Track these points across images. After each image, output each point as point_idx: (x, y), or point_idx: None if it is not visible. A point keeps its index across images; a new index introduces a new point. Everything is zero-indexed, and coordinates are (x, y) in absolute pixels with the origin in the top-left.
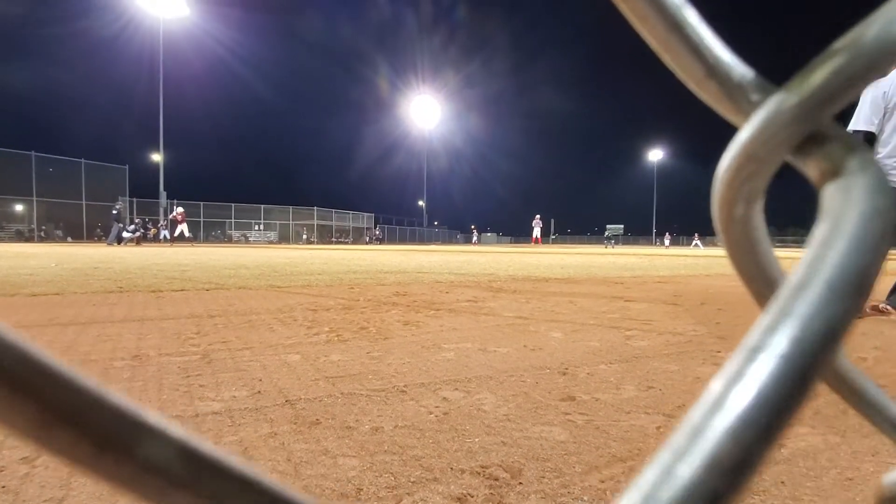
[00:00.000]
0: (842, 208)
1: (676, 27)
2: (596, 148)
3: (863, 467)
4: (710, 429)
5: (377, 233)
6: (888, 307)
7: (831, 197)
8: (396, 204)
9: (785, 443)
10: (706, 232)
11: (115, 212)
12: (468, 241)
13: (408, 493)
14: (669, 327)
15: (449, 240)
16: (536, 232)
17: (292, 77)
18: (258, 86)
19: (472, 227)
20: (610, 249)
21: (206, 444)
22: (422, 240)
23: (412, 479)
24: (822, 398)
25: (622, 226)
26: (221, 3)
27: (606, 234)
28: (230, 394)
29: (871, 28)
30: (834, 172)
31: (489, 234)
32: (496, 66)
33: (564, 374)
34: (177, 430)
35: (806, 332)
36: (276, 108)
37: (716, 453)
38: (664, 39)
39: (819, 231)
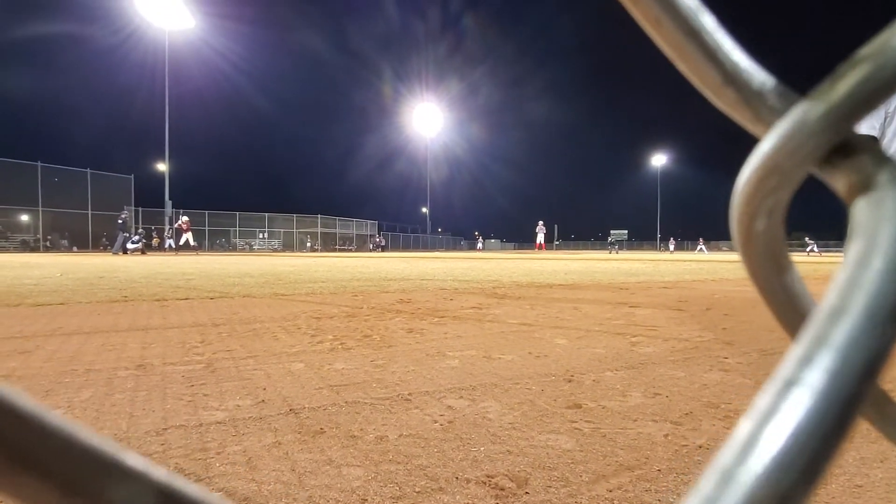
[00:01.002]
0: (876, 225)
1: (692, 32)
2: (599, 154)
3: (872, 474)
4: (743, 473)
5: (380, 240)
6: None
7: (863, 213)
8: (399, 211)
9: None
10: (710, 237)
11: (120, 221)
12: (472, 247)
13: None
14: (675, 333)
15: (452, 246)
16: (540, 238)
17: (295, 86)
18: (261, 95)
19: (476, 233)
20: (614, 255)
21: (189, 486)
22: (425, 247)
23: (417, 489)
24: None
25: (626, 231)
26: (225, 16)
27: (610, 239)
28: (234, 403)
29: None
30: (864, 186)
31: (493, 241)
32: (499, 74)
33: (570, 381)
34: (157, 471)
35: (845, 363)
36: (279, 116)
37: (749, 501)
38: (679, 45)
39: (853, 250)
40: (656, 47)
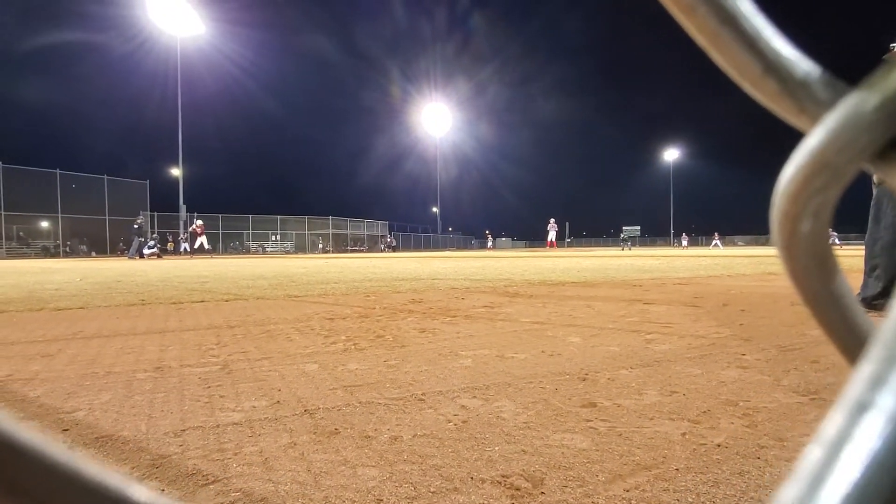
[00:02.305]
0: None
1: (729, 19)
2: (610, 150)
3: None
4: None
5: (391, 240)
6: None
7: None
8: (410, 211)
9: None
10: (725, 231)
11: (136, 226)
12: (483, 246)
13: None
14: (691, 330)
15: (463, 246)
16: (552, 235)
17: (305, 89)
18: (271, 98)
19: (487, 232)
20: (627, 251)
21: (143, 492)
22: (436, 246)
23: (432, 490)
24: None
25: (638, 227)
26: (234, 21)
27: (622, 235)
28: (250, 404)
29: None
30: None
31: (504, 239)
32: (507, 72)
33: (584, 379)
34: (113, 478)
35: None
36: (289, 119)
37: None
38: (715, 34)
39: None
40: (665, 42)
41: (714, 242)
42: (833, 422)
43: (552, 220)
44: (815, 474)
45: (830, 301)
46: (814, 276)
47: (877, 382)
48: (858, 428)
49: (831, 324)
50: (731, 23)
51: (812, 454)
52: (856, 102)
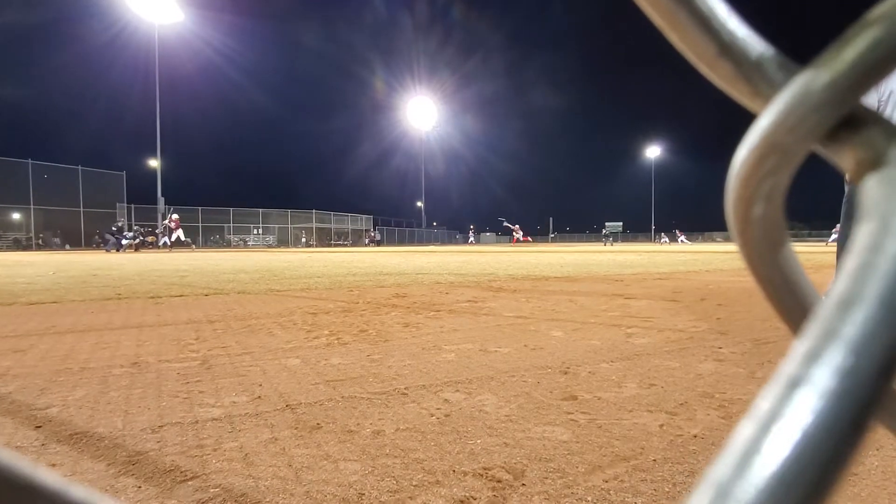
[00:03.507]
0: (889, 205)
1: (684, 0)
2: (593, 146)
3: (868, 462)
4: (742, 487)
5: (375, 234)
6: None
7: (875, 191)
8: (395, 205)
9: None
10: (708, 228)
11: (114, 228)
12: (466, 241)
13: (410, 497)
14: (670, 324)
15: (448, 240)
16: (518, 235)
17: (288, 81)
18: (254, 89)
19: (471, 227)
20: (609, 247)
21: (106, 499)
22: (421, 241)
23: (414, 483)
24: None
25: (621, 223)
26: (215, 9)
27: (605, 231)
28: (230, 399)
29: None
30: (875, 162)
31: (488, 234)
32: (492, 66)
33: (566, 373)
34: (76, 489)
35: (858, 359)
36: (272, 111)
37: None
38: (670, 14)
39: (863, 232)
40: (651, 36)
41: (680, 238)
42: (766, 398)
43: (517, 226)
44: (745, 452)
45: (783, 283)
46: (767, 258)
47: (812, 358)
48: (790, 404)
49: (783, 305)
50: (686, 3)
51: (742, 432)
52: (805, 82)
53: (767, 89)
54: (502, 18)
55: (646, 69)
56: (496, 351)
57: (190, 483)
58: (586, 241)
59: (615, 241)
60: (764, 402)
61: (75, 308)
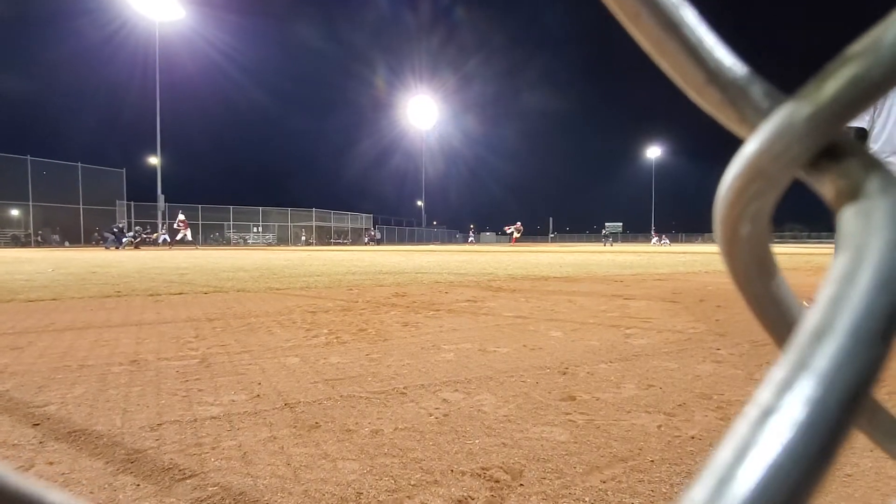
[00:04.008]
0: (864, 237)
1: (672, 27)
2: (594, 146)
3: (861, 463)
4: None
5: (374, 233)
6: None
7: (851, 222)
8: (395, 204)
9: None
10: (706, 229)
11: (115, 229)
12: (465, 240)
13: (408, 497)
14: (669, 325)
15: (448, 239)
16: (515, 234)
17: (288, 79)
18: (254, 87)
19: (471, 226)
20: (608, 247)
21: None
22: (421, 240)
23: (412, 482)
24: None
25: (620, 224)
26: (216, 6)
27: (604, 232)
28: (229, 398)
29: (891, 31)
30: (852, 193)
31: (488, 234)
32: (493, 65)
33: (564, 373)
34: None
35: (828, 391)
36: (272, 109)
37: None
38: (659, 41)
39: (838, 263)
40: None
41: (662, 240)
42: (741, 425)
43: (518, 223)
44: (721, 477)
45: (769, 301)
46: (754, 277)
47: (785, 388)
48: (763, 432)
49: (770, 322)
50: (674, 31)
51: (718, 457)
52: (789, 112)
53: (753, 116)
54: (504, 19)
55: (646, 70)
56: (495, 351)
57: (188, 481)
58: (586, 242)
59: (615, 241)
60: (738, 429)
61: (74, 305)
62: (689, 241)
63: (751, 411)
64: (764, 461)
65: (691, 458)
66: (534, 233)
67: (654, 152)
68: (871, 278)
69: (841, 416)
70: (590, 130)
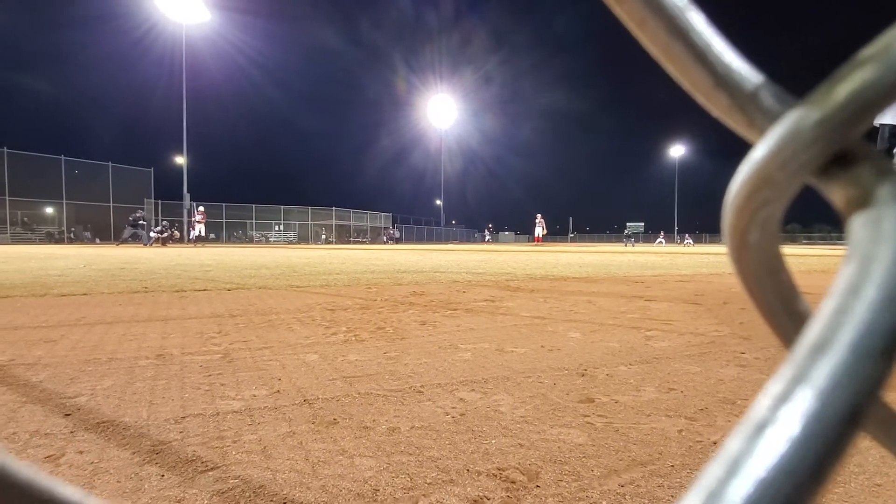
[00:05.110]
0: (872, 247)
1: (679, 33)
2: (615, 145)
3: (891, 472)
4: None
5: (393, 232)
6: None
7: (860, 231)
8: (413, 203)
9: None
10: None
11: (131, 219)
12: (482, 240)
13: (424, 495)
14: (691, 327)
15: (467, 239)
16: (538, 231)
17: (309, 80)
18: (275, 88)
19: (489, 226)
20: (630, 248)
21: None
22: (439, 239)
23: (428, 481)
24: None
25: (642, 223)
26: (240, 10)
27: (626, 231)
28: (250, 393)
29: None
30: (863, 201)
31: (507, 233)
32: (512, 64)
33: (583, 375)
34: (92, 501)
35: (826, 406)
36: (293, 109)
37: None
38: (666, 46)
39: (845, 274)
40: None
41: (685, 241)
42: (735, 438)
43: (539, 215)
44: (711, 491)
45: (780, 306)
46: (764, 283)
47: (780, 401)
48: (758, 445)
49: (781, 328)
50: (682, 36)
51: (711, 470)
52: (797, 118)
53: (763, 121)
54: (524, 17)
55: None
56: (513, 351)
57: (210, 473)
58: (606, 242)
59: (636, 241)
60: (733, 443)
61: (104, 300)
62: (713, 241)
63: (746, 424)
64: (756, 476)
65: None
66: (553, 232)
67: (677, 151)
68: (876, 292)
69: (838, 432)
70: (611, 129)
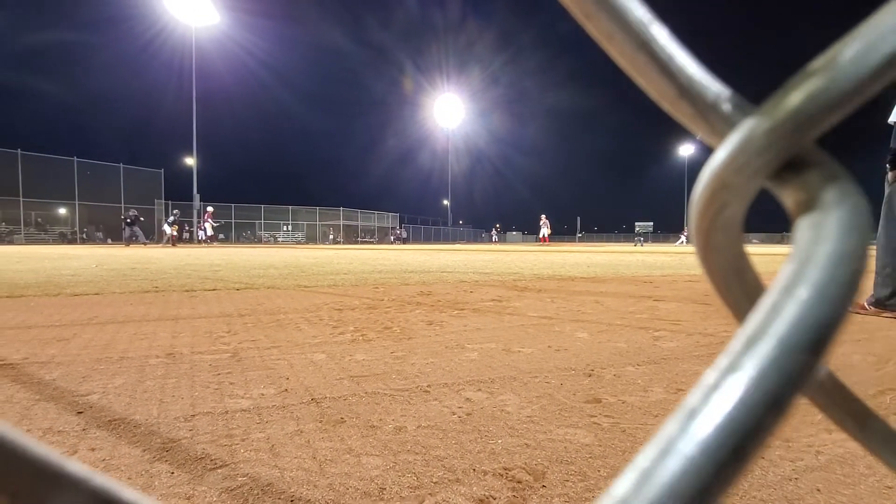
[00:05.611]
0: (809, 248)
1: (644, 46)
2: (624, 144)
3: None
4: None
5: (400, 232)
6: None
7: (802, 233)
8: (421, 203)
9: (822, 449)
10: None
11: (126, 219)
12: (489, 240)
13: (430, 494)
14: (700, 328)
15: (474, 239)
16: (544, 231)
17: (317, 80)
18: (283, 89)
19: (496, 225)
20: (639, 248)
21: (126, 490)
22: (446, 239)
23: (434, 480)
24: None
25: (651, 223)
26: (249, 11)
27: (637, 229)
28: (258, 391)
29: (849, 48)
30: (809, 204)
31: (514, 233)
32: (520, 63)
33: (590, 375)
34: (98, 478)
35: (751, 394)
36: (300, 110)
37: (682, 475)
38: (632, 59)
39: (783, 272)
40: (681, 31)
41: (679, 240)
42: (669, 424)
43: (543, 216)
44: (643, 472)
45: (747, 305)
46: (731, 282)
47: (711, 390)
48: (686, 431)
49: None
50: (646, 49)
51: (644, 453)
52: (750, 127)
53: (723, 128)
54: (531, 16)
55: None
56: (519, 351)
57: (219, 471)
58: (614, 241)
59: (646, 241)
60: (667, 428)
61: (115, 299)
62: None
63: (681, 410)
64: (682, 459)
65: None
66: (561, 232)
67: (686, 150)
68: (807, 291)
69: (760, 419)
70: (619, 128)
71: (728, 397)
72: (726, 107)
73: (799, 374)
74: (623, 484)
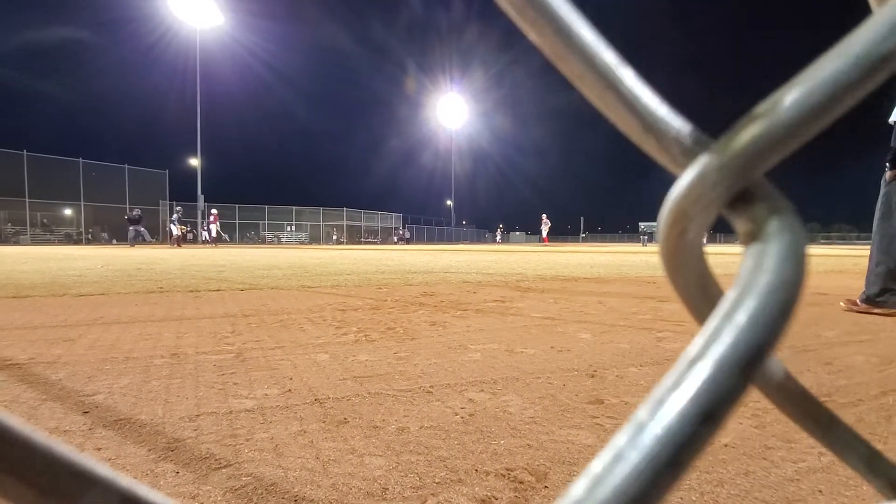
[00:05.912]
0: (752, 276)
1: (612, 85)
2: (628, 143)
3: None
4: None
5: (403, 232)
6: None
7: (746, 261)
8: (424, 204)
9: (824, 451)
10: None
11: (126, 218)
12: (492, 240)
13: (432, 494)
14: None
15: (477, 239)
16: (545, 230)
17: (320, 81)
18: (287, 90)
19: (500, 226)
20: (645, 248)
21: (152, 492)
22: (450, 239)
23: (437, 480)
24: (865, 404)
25: (655, 223)
26: (253, 12)
27: (642, 228)
28: (262, 392)
29: (790, 95)
30: (754, 234)
31: (518, 233)
32: (523, 64)
33: (593, 376)
34: (123, 479)
35: (689, 412)
36: (304, 111)
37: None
38: (602, 97)
39: (727, 297)
40: (683, 35)
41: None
42: (619, 435)
43: (544, 216)
44: (595, 477)
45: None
46: (696, 299)
47: (657, 405)
48: (634, 442)
49: None
50: (614, 88)
51: (598, 461)
52: (704, 163)
53: (683, 160)
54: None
55: (679, 65)
56: (522, 352)
57: (224, 471)
58: (618, 242)
59: (650, 241)
60: (617, 439)
61: (121, 300)
62: (727, 241)
63: (631, 423)
64: (629, 465)
65: (723, 466)
66: (564, 232)
67: None
68: (744, 317)
69: (696, 431)
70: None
71: (669, 412)
72: (686, 141)
73: (733, 391)
74: (579, 486)
